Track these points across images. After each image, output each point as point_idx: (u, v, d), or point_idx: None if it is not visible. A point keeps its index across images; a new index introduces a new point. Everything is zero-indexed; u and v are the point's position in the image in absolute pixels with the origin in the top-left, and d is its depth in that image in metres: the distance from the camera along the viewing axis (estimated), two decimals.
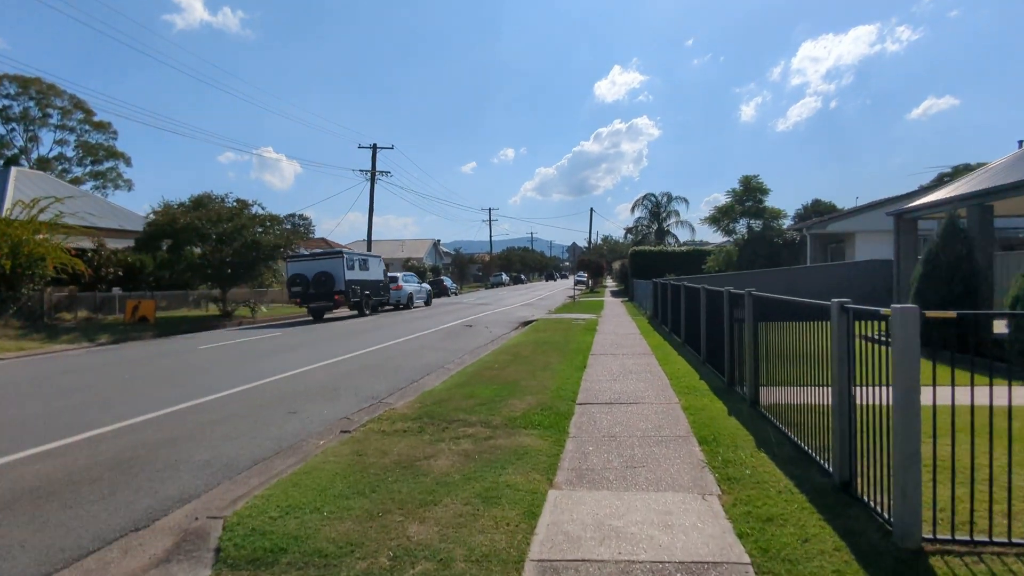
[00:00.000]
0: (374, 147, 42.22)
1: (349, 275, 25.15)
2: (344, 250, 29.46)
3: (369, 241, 43.25)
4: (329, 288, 24.57)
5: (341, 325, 22.45)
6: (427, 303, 35.35)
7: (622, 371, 10.01)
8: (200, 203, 25.01)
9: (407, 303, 32.25)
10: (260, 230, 26.45)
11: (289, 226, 29.42)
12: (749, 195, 30.07)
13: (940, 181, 51.94)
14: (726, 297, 8.29)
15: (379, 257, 30.90)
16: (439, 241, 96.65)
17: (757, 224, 30.01)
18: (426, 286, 36.38)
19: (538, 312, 27.49)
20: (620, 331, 17.22)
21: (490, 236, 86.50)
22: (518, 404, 7.63)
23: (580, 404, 7.57)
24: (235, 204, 25.68)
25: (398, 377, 10.57)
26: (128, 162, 61.75)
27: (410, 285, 33.34)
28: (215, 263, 24.02)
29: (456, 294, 52.83)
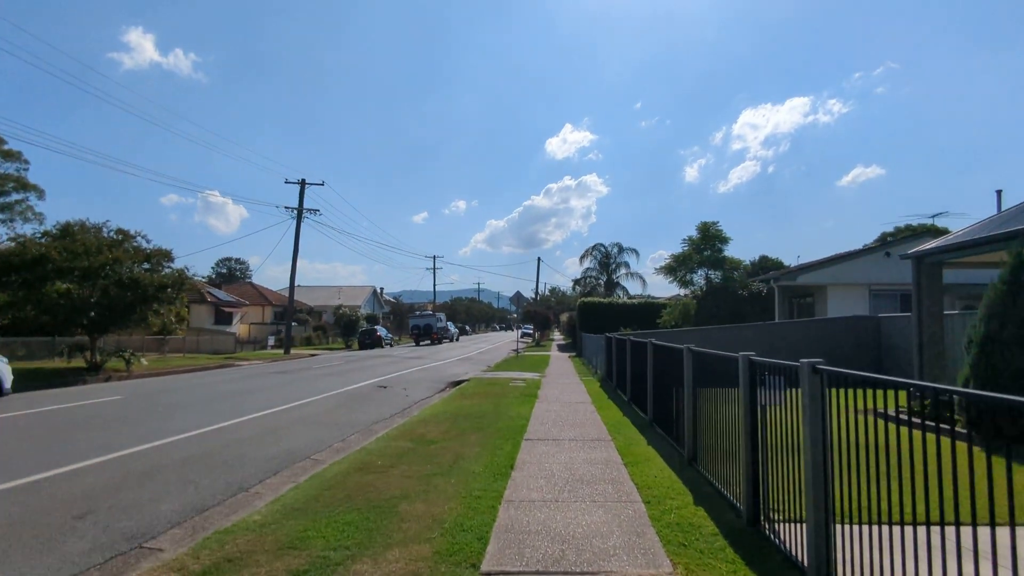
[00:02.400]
0: (302, 183, 38.46)
1: (436, 325, 52.62)
2: (436, 313, 59.01)
3: (292, 285, 38.93)
4: (429, 331, 51.44)
5: (225, 385, 18.24)
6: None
7: (568, 477, 6.48)
8: (67, 232, 20.67)
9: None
10: (147, 267, 22.18)
11: (194, 272, 25.11)
12: (708, 243, 27.64)
13: (883, 240, 51.76)
14: (743, 365, 4.95)
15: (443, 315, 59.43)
16: (382, 289, 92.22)
17: (716, 275, 27.48)
18: None
19: (474, 369, 23.83)
20: (566, 398, 13.76)
21: (434, 284, 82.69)
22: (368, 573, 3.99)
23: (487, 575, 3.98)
24: (113, 235, 21.40)
25: (214, 486, 6.73)
26: (41, 195, 56.07)
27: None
28: (77, 304, 19.56)
29: (391, 345, 48.62)
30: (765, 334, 17.81)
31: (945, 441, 2.51)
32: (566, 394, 14.56)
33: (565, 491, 5.92)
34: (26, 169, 56.20)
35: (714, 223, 27.70)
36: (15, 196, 56.02)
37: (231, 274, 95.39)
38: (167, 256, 22.49)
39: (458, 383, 18.32)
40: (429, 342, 50.85)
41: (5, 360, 15.67)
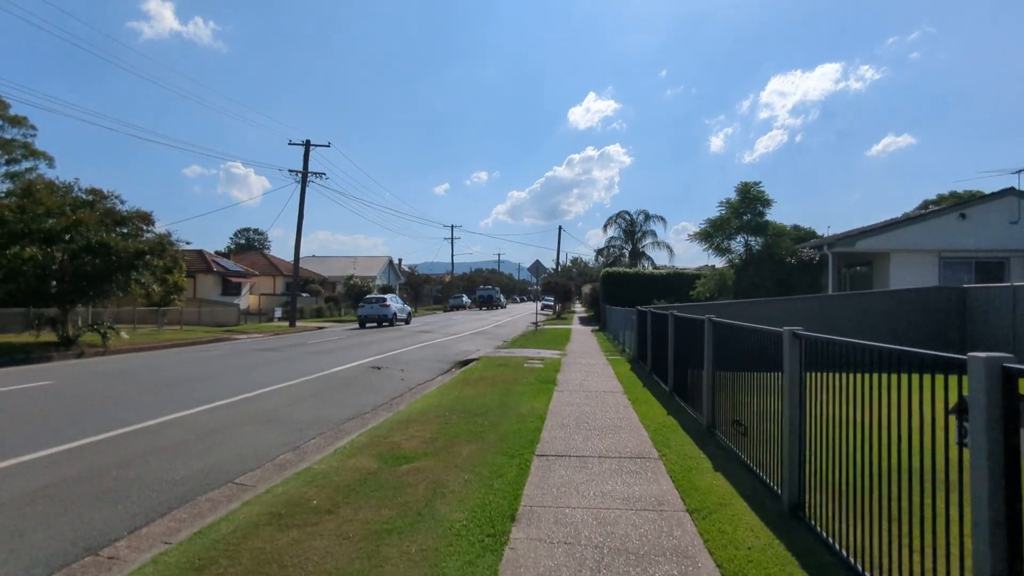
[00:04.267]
0: (306, 144, 35.97)
1: (498, 296, 71.64)
2: (495, 287, 76.83)
3: (297, 254, 36.78)
4: (491, 301, 69.03)
5: (197, 365, 16.09)
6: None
7: (603, 543, 4.01)
8: (29, 191, 18.51)
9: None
10: (124, 231, 20.01)
11: (181, 244, 22.91)
12: (748, 206, 24.65)
13: (925, 207, 48.01)
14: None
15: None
16: (400, 260, 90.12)
17: (755, 242, 24.58)
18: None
19: (488, 344, 21.46)
20: (591, 384, 11.29)
21: (451, 254, 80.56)
22: None
23: None
24: (83, 195, 19.20)
25: (47, 545, 4.39)
26: (51, 163, 54.66)
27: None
28: (40, 271, 17.46)
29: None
30: (820, 308, 15.08)
31: None
32: (591, 379, 12.09)
33: (599, 567, 3.46)
34: (33, 135, 54.50)
35: (755, 183, 24.65)
36: (25, 164, 54.65)
37: (249, 244, 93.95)
38: (146, 219, 20.25)
39: (466, 362, 15.96)
40: (488, 309, 68.52)
41: None
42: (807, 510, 4.20)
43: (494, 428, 7.47)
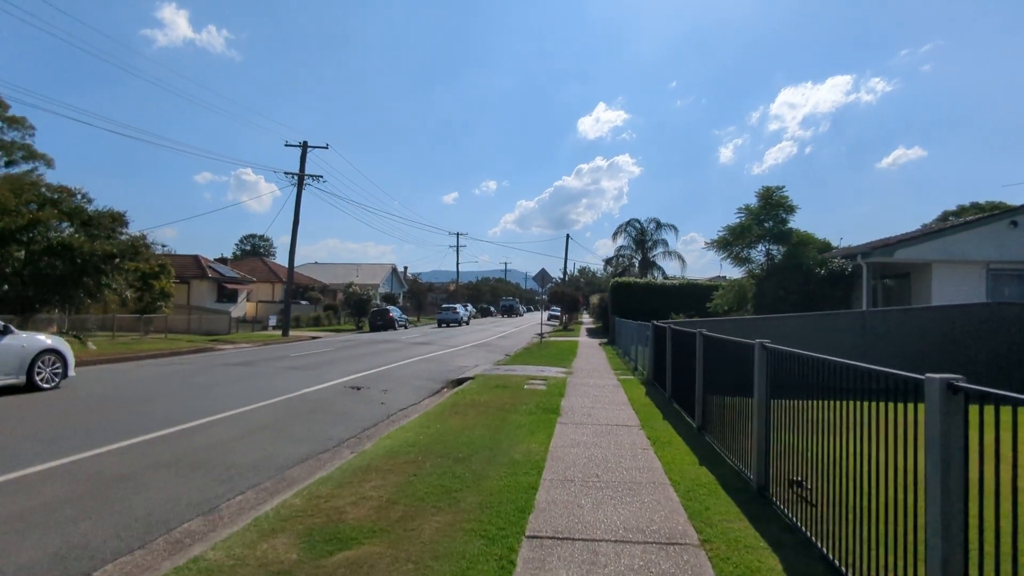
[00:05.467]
0: (303, 145, 34.47)
1: (518, 305, 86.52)
2: (515, 299, 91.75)
3: (291, 259, 35.30)
4: (512, 310, 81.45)
5: (153, 383, 14.43)
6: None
7: None
8: None
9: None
10: (95, 232, 18.45)
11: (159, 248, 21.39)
12: (769, 213, 22.82)
13: (944, 218, 45.97)
14: None
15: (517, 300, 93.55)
16: (406, 268, 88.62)
17: (777, 250, 22.74)
18: None
19: (487, 360, 19.72)
20: (602, 414, 9.51)
21: (457, 263, 78.80)
22: None
23: None
24: (48, 192, 17.65)
25: None
26: (50, 164, 53.51)
27: None
28: None
29: (405, 327, 44.84)
30: (863, 324, 13.24)
31: None
32: (600, 407, 10.30)
33: None
34: (32, 135, 53.46)
35: (778, 187, 22.81)
36: (24, 167, 53.49)
37: (255, 251, 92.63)
38: (117, 220, 18.71)
39: (460, 381, 14.23)
40: (510, 316, 77.55)
41: None
42: None
43: (476, 484, 5.71)
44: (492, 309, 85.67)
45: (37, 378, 11.47)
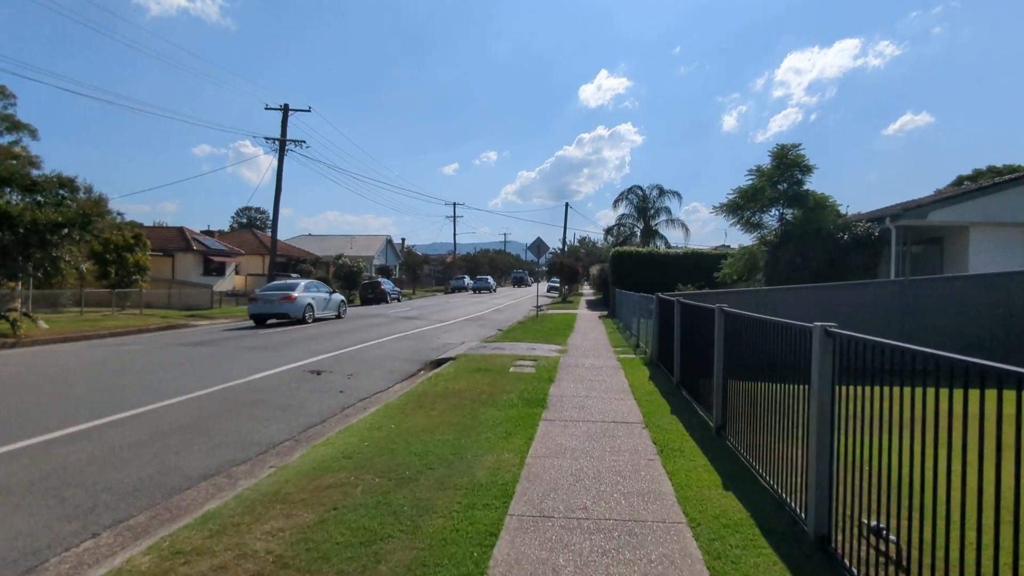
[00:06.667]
0: (285, 108, 32.36)
1: (526, 277, 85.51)
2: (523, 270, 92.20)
3: (274, 229, 33.56)
4: (522, 282, 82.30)
5: (85, 370, 12.81)
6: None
7: None
8: None
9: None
10: (41, 200, 16.70)
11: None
12: (784, 174, 20.90)
13: (959, 183, 43.76)
14: None
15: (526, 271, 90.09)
16: (403, 240, 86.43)
17: (789, 215, 20.86)
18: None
19: (477, 335, 18.11)
20: (596, 406, 7.86)
21: (454, 234, 76.93)
22: None
23: None
24: None
25: None
26: (34, 135, 51.59)
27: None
28: None
29: (398, 300, 43.20)
30: (900, 296, 11.48)
31: None
32: (596, 396, 8.65)
33: None
34: (13, 105, 51.25)
35: (794, 146, 20.80)
36: (8, 138, 51.48)
37: (250, 224, 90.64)
38: (67, 185, 16.93)
39: (440, 363, 12.61)
40: (518, 286, 79.84)
41: None
42: None
43: (413, 527, 4.06)
44: (467, 282, 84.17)
45: None
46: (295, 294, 22.22)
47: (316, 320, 23.23)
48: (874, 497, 3.10)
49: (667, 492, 4.79)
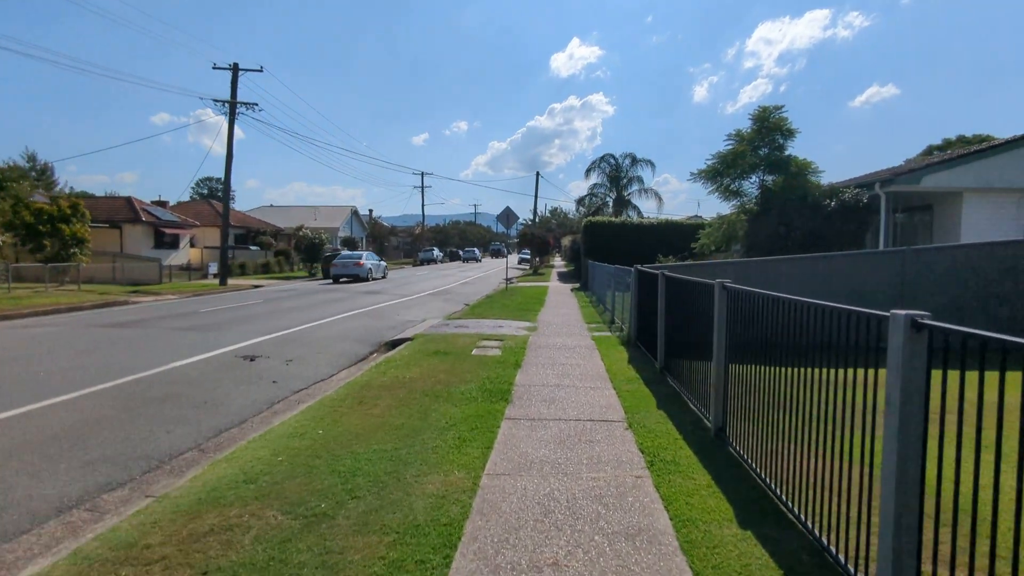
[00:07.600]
0: (234, 68, 30.09)
1: (503, 248, 76.13)
2: (503, 244, 76.36)
3: (226, 197, 31.55)
4: (499, 253, 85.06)
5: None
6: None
7: None
8: None
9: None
10: None
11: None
12: (765, 138, 19.78)
13: (929, 153, 43.32)
14: None
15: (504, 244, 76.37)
16: (371, 211, 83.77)
17: (770, 180, 19.80)
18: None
19: (441, 311, 16.81)
20: (569, 399, 6.66)
21: (422, 204, 74.71)
22: None
23: None
24: None
25: None
26: None
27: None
28: None
29: (384, 277, 41.37)
30: (900, 267, 10.46)
31: None
32: (568, 384, 7.44)
33: None
34: None
35: (776, 108, 19.67)
36: None
37: (211, 195, 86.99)
38: None
39: (396, 343, 11.30)
40: (495, 257, 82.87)
41: None
42: None
43: None
44: (460, 253, 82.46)
45: None
46: (363, 261, 32.26)
47: (373, 280, 31.84)
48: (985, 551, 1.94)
49: (664, 530, 3.60)
